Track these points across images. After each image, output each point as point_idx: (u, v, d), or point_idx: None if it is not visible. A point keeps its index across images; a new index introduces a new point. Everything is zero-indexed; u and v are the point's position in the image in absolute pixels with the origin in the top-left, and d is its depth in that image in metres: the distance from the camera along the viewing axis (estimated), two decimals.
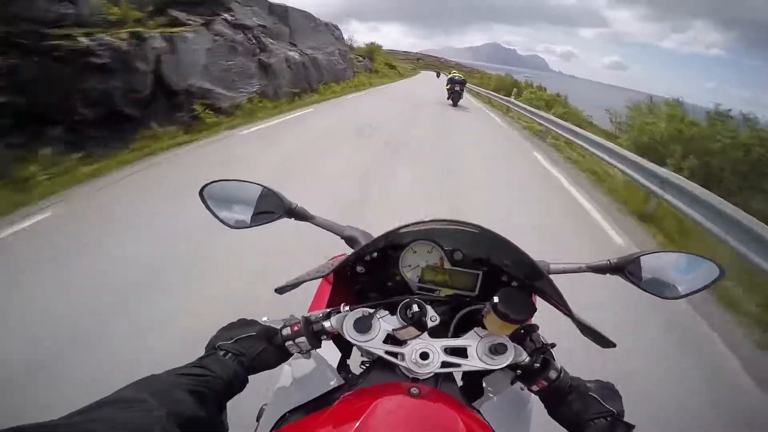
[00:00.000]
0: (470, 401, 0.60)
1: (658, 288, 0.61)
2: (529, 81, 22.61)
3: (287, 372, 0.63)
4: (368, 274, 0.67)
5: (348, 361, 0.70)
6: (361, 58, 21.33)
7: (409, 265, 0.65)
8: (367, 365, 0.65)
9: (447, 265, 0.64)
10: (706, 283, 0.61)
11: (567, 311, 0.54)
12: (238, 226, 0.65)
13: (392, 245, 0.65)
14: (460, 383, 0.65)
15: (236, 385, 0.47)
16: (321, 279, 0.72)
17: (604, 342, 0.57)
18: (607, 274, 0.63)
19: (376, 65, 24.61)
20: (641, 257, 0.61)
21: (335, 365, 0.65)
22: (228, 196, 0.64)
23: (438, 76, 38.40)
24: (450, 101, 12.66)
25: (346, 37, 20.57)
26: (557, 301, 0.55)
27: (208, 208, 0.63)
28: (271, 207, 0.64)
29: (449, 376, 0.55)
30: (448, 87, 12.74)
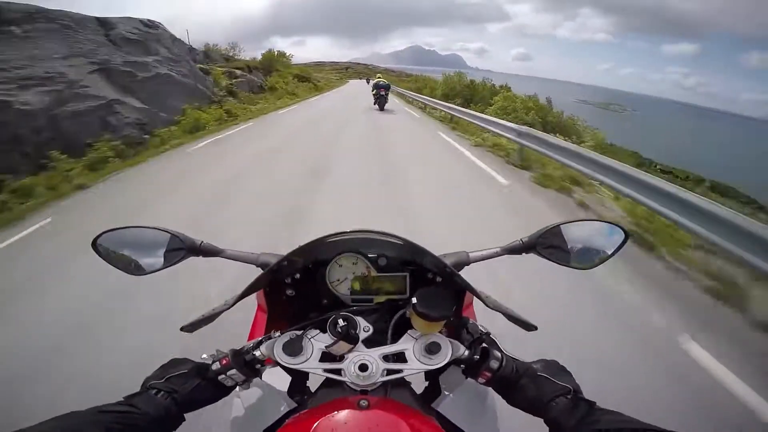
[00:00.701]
0: (431, 401, 0.61)
1: (572, 259, 0.63)
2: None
3: (238, 404, 0.63)
4: (300, 296, 0.66)
5: (308, 383, 0.68)
6: (244, 73, 15.99)
7: (338, 279, 0.65)
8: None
9: (374, 273, 0.64)
10: (615, 247, 0.62)
11: (483, 300, 0.56)
12: (140, 272, 0.62)
13: (316, 262, 0.65)
14: (425, 384, 0.67)
15: (168, 422, 0.46)
16: (256, 310, 0.73)
17: (525, 325, 0.59)
18: (523, 254, 0.64)
19: (275, 80, 18.59)
20: (548, 231, 0.63)
21: (286, 390, 0.64)
22: (127, 243, 0.62)
23: (368, 83, 38.78)
24: (376, 106, 12.93)
25: (224, 45, 19.11)
26: (472, 292, 0.56)
27: (104, 258, 0.61)
28: (176, 248, 0.62)
29: (401, 382, 0.55)
30: (373, 93, 13.06)
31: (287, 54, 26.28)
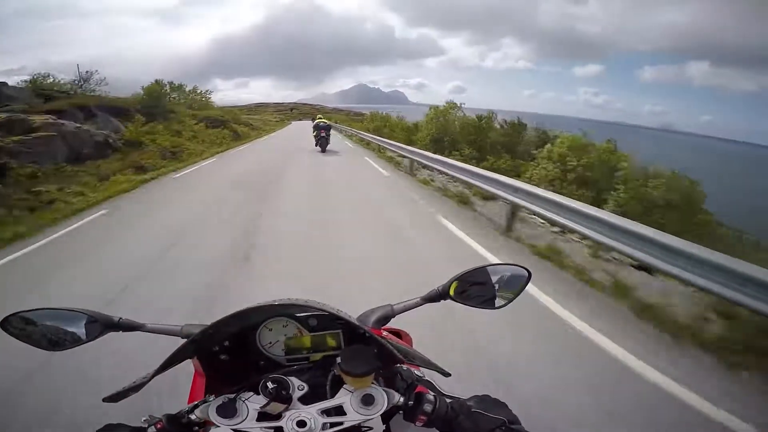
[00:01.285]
0: None
1: (484, 301, 0.69)
2: (400, 115, 21.45)
3: None
4: (235, 359, 0.67)
5: None
6: (60, 121, 8.57)
7: (270, 342, 0.66)
8: None
9: (306, 333, 0.66)
10: (520, 284, 0.70)
11: (394, 358, 0.58)
12: (57, 348, 0.62)
13: (244, 328, 0.66)
14: (381, 429, 0.67)
15: None
16: (194, 375, 0.74)
17: (441, 372, 0.62)
18: (441, 301, 0.70)
19: (139, 131, 10.98)
20: (459, 278, 0.68)
21: None
22: (41, 323, 0.62)
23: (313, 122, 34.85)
24: (318, 147, 12.93)
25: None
26: (390, 349, 0.58)
27: (16, 337, 0.60)
28: (91, 323, 0.63)
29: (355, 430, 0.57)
30: (314, 134, 13.04)
31: (201, 91, 21.82)
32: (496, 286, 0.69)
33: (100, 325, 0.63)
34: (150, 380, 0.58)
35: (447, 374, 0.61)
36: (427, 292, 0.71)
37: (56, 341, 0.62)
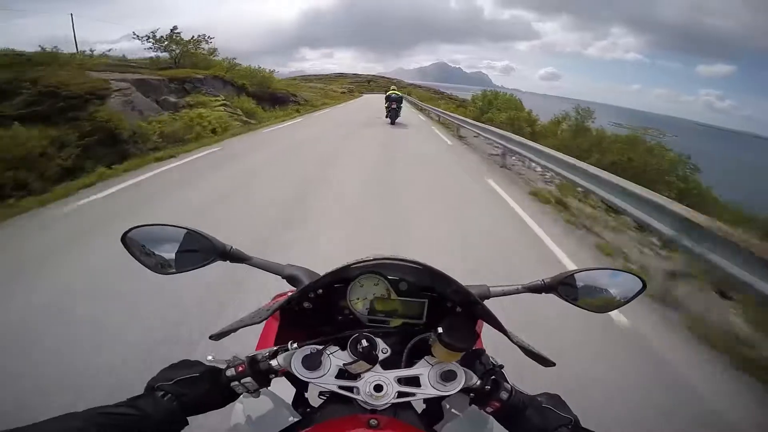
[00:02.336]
0: (431, 425, 0.63)
1: (590, 303, 0.67)
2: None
3: (239, 410, 0.64)
4: (315, 309, 0.68)
5: (306, 395, 0.69)
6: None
7: (357, 298, 0.66)
8: (325, 398, 0.64)
9: (394, 296, 0.66)
10: (631, 295, 0.67)
11: (505, 333, 0.57)
12: (167, 272, 0.63)
13: (338, 280, 0.66)
14: (423, 406, 0.68)
15: (170, 426, 0.46)
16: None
17: (543, 361, 0.60)
18: (543, 294, 0.67)
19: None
20: (574, 275, 0.66)
21: (290, 401, 0.65)
22: (156, 240, 0.63)
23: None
24: (388, 119, 13.38)
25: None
26: (496, 325, 0.57)
27: (132, 254, 0.62)
28: (204, 250, 0.63)
29: (407, 404, 0.57)
30: (386, 105, 13.50)
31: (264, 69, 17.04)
32: (606, 290, 0.67)
33: (213, 251, 0.63)
34: (260, 322, 0.58)
35: (550, 364, 0.60)
36: (530, 281, 0.68)
37: (166, 263, 0.63)
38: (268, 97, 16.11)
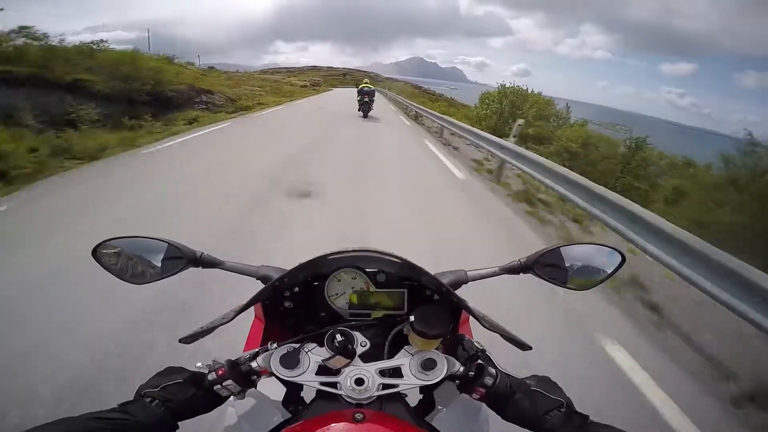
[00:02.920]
0: (425, 415, 0.63)
1: (570, 280, 0.66)
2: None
3: (231, 413, 0.64)
4: (298, 308, 0.68)
5: (302, 394, 0.69)
6: None
7: (336, 294, 0.67)
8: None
9: (373, 288, 0.66)
10: (611, 270, 0.65)
11: (478, 319, 0.58)
12: (139, 281, 0.64)
13: (315, 276, 0.67)
14: (418, 397, 0.68)
15: (162, 430, 0.48)
16: (253, 320, 0.74)
17: (520, 345, 0.60)
18: (521, 274, 0.67)
19: None
20: (550, 252, 0.65)
21: (280, 400, 0.65)
22: (126, 252, 0.64)
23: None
24: (360, 113, 13.39)
25: None
26: (468, 311, 0.58)
27: (103, 266, 0.63)
28: (174, 258, 0.64)
29: (395, 396, 0.56)
30: (358, 98, 13.52)
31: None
32: (584, 266, 0.66)
33: (183, 259, 0.63)
34: (228, 322, 0.58)
35: (527, 347, 0.60)
36: (507, 263, 0.67)
37: (139, 274, 0.63)
38: (148, 100, 9.67)
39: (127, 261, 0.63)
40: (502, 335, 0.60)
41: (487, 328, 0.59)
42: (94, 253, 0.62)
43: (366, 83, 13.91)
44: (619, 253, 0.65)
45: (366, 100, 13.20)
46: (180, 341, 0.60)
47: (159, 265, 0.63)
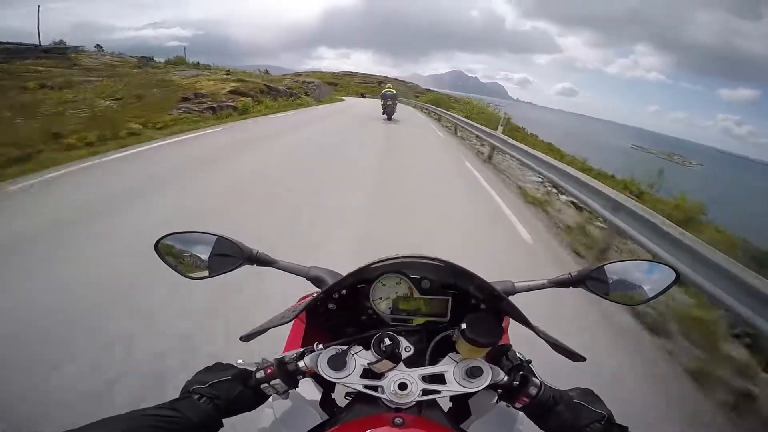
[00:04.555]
0: (458, 423, 0.63)
1: (620, 296, 0.66)
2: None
3: (269, 413, 0.65)
4: (340, 310, 0.70)
5: (333, 395, 0.71)
6: None
7: (380, 298, 0.68)
8: (351, 398, 0.65)
9: (416, 294, 0.68)
10: (664, 287, 0.66)
11: (532, 328, 0.58)
12: (198, 276, 0.67)
13: (360, 280, 0.68)
14: (449, 405, 0.69)
15: (208, 428, 0.49)
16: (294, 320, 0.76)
17: (572, 356, 0.61)
18: (570, 288, 0.67)
19: None
20: (603, 268, 0.66)
21: (318, 401, 0.67)
22: (185, 247, 0.67)
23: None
24: (384, 116, 14.45)
25: None
26: (522, 320, 0.58)
27: (164, 260, 0.66)
28: (231, 254, 0.67)
29: (433, 402, 0.57)
30: (381, 102, 14.61)
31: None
32: (637, 282, 0.67)
33: (240, 256, 0.67)
34: (288, 322, 0.61)
35: (581, 359, 0.60)
36: (557, 276, 0.68)
37: (197, 268, 0.67)
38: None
39: (187, 256, 0.68)
40: (552, 345, 0.61)
41: (541, 338, 0.60)
42: (156, 246, 0.66)
43: (389, 87, 15.36)
44: (674, 269, 0.66)
45: (389, 103, 14.50)
46: (240, 339, 0.64)
47: (216, 260, 0.67)
